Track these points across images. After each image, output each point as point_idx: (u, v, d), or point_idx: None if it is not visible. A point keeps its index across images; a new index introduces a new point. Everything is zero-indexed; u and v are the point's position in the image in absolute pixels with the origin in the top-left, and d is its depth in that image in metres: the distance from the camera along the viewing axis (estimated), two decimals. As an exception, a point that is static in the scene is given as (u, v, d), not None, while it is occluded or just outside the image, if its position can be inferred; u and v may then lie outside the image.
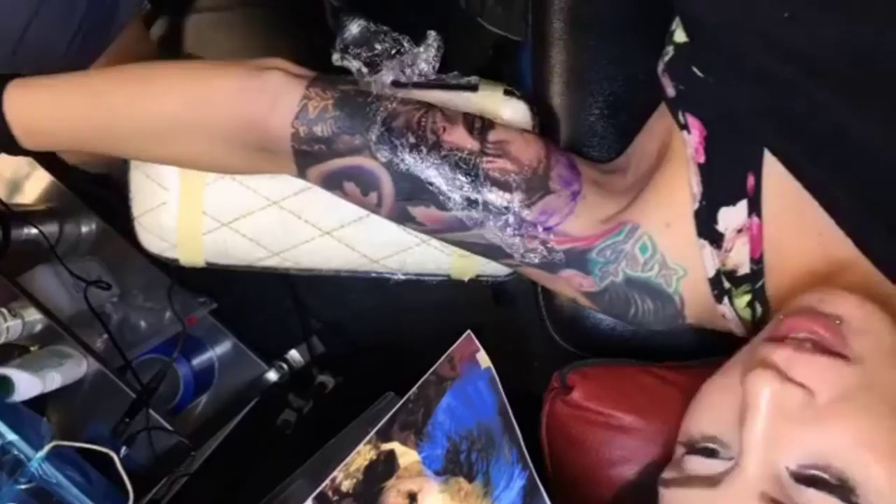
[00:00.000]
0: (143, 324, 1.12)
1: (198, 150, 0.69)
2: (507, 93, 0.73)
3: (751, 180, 0.60)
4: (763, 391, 0.48)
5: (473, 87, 0.71)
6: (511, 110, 0.73)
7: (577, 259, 0.66)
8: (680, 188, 0.63)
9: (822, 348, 0.50)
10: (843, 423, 0.48)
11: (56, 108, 0.68)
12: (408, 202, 0.66)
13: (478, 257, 0.71)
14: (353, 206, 0.70)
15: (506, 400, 0.66)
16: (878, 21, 0.55)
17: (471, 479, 0.66)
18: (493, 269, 0.77)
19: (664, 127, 0.67)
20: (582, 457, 0.73)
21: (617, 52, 0.79)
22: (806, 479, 0.48)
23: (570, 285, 0.68)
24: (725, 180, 0.61)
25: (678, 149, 0.64)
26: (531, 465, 0.63)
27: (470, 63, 0.69)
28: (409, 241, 0.74)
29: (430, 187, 0.65)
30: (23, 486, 0.76)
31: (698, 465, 0.54)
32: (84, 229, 1.12)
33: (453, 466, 0.67)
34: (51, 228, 1.09)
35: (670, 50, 0.66)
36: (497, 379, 0.67)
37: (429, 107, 0.66)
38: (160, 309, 1.13)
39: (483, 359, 0.68)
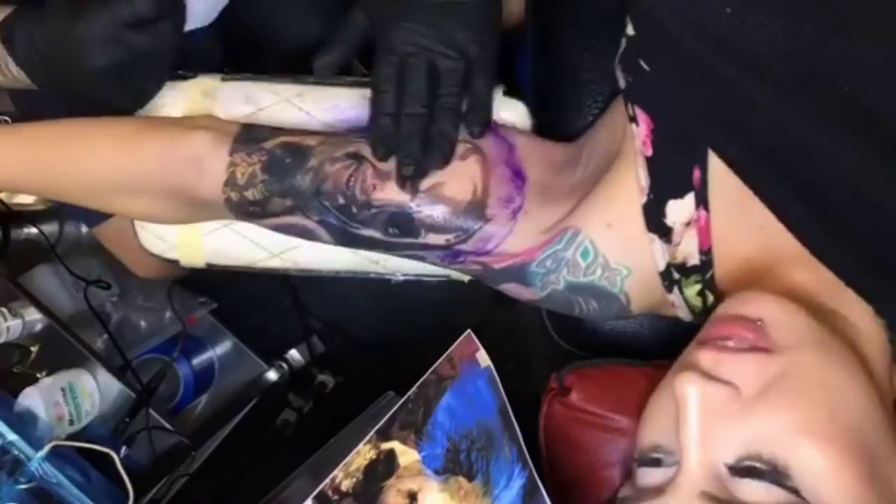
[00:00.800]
0: (143, 324, 1.12)
1: (139, 208, 0.71)
2: (506, 93, 0.73)
3: (696, 174, 0.61)
4: (690, 391, 0.50)
5: None
6: (511, 112, 0.72)
7: (517, 273, 0.67)
8: (626, 186, 0.64)
9: (744, 347, 0.52)
10: (770, 411, 0.50)
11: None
12: (352, 248, 0.69)
13: None
14: None
15: (505, 399, 0.66)
16: (818, 20, 0.55)
17: (471, 479, 0.66)
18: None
19: (618, 123, 0.67)
20: (579, 458, 0.73)
21: (617, 51, 0.79)
22: (741, 471, 0.50)
23: (511, 293, 0.69)
24: (672, 173, 0.62)
25: (628, 145, 0.65)
26: (531, 464, 0.63)
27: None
28: None
29: (368, 240, 0.67)
30: (23, 486, 0.76)
31: (649, 476, 0.55)
32: (84, 229, 1.12)
33: (453, 465, 0.67)
34: (51, 228, 1.09)
35: (623, 42, 0.66)
36: (497, 378, 0.67)
37: (359, 161, 0.66)
38: (160, 309, 1.13)
39: (483, 358, 0.68)
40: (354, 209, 0.66)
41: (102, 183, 0.69)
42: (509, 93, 0.73)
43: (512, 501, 0.63)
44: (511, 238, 0.66)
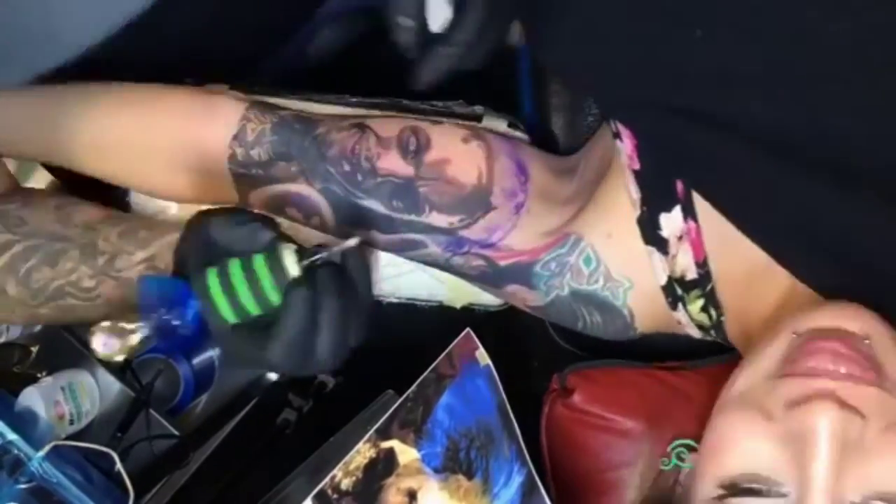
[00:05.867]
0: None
1: (140, 170, 0.69)
2: (511, 125, 0.73)
3: (679, 186, 0.61)
4: (823, 423, 0.47)
5: (478, 118, 0.71)
6: None
7: (522, 273, 0.66)
8: (621, 199, 0.64)
9: (861, 375, 0.49)
10: None
11: (3, 113, 0.69)
12: (350, 226, 0.67)
13: (470, 287, 0.71)
14: None
15: (505, 398, 0.66)
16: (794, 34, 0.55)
17: (470, 477, 0.66)
18: (485, 299, 0.77)
19: (609, 135, 0.67)
20: (583, 460, 0.73)
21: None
22: None
23: (516, 299, 0.68)
24: (659, 187, 0.62)
25: (617, 158, 0.65)
26: (530, 462, 0.63)
27: (471, 74, 0.69)
28: (403, 266, 0.74)
29: (369, 212, 0.66)
30: (23, 486, 0.76)
31: None
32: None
33: (453, 464, 0.67)
34: (51, 228, 1.08)
35: None
36: (496, 376, 0.67)
37: (362, 130, 0.66)
38: (160, 309, 1.13)
39: (482, 356, 0.68)
40: (360, 176, 0.65)
41: (110, 135, 0.68)
42: (513, 125, 0.73)
43: (511, 499, 0.64)
44: (515, 233, 0.66)
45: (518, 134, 0.73)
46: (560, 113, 0.80)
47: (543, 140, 0.78)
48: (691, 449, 0.61)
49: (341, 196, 0.66)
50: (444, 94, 0.75)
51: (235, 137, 0.66)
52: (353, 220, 0.67)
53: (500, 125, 0.72)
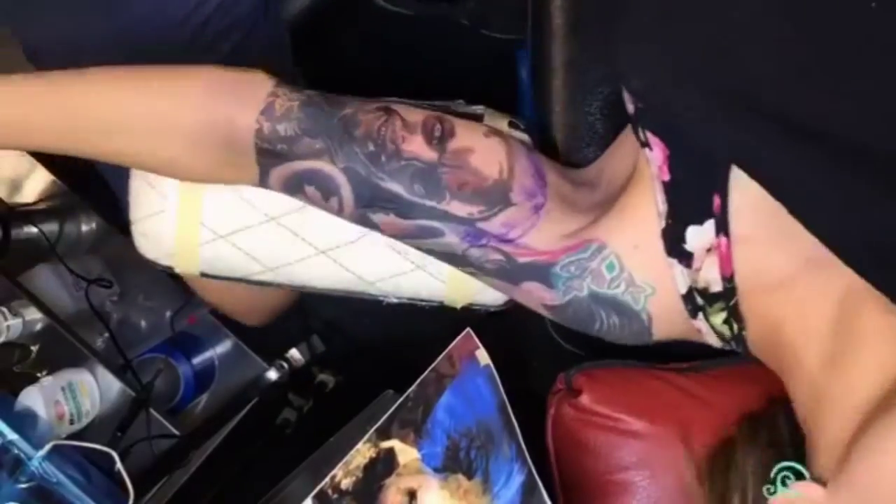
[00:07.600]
0: (143, 323, 1.12)
1: (162, 146, 0.68)
2: (511, 125, 0.72)
3: (717, 200, 0.60)
4: None
5: (479, 117, 0.71)
6: None
7: (540, 272, 0.66)
8: (647, 208, 0.63)
9: None
10: None
11: (13, 100, 0.68)
12: (368, 209, 0.67)
13: (471, 286, 0.72)
14: (351, 227, 0.70)
15: (505, 397, 0.66)
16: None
17: (470, 476, 0.66)
18: (485, 298, 0.77)
19: (633, 145, 0.66)
20: (591, 461, 0.72)
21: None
22: None
23: (531, 298, 0.68)
24: (691, 199, 0.61)
25: (644, 167, 0.64)
26: (530, 462, 0.63)
27: (471, 74, 0.69)
28: (404, 265, 0.74)
29: (390, 195, 0.66)
30: (23, 485, 0.76)
31: None
32: (84, 228, 1.12)
33: (453, 464, 0.67)
34: (51, 227, 1.09)
35: None
36: (496, 376, 0.67)
37: (389, 113, 0.67)
38: (160, 308, 1.13)
39: (482, 356, 0.68)
40: (384, 157, 0.65)
41: (134, 113, 0.68)
42: (514, 125, 0.73)
43: (511, 499, 0.64)
44: (534, 233, 0.66)
45: (518, 134, 0.73)
46: (560, 113, 0.80)
47: (543, 140, 0.78)
48: (798, 474, 0.57)
49: (363, 176, 0.66)
50: (444, 94, 0.74)
51: (263, 112, 0.66)
52: (373, 201, 0.67)
53: (501, 125, 0.72)
